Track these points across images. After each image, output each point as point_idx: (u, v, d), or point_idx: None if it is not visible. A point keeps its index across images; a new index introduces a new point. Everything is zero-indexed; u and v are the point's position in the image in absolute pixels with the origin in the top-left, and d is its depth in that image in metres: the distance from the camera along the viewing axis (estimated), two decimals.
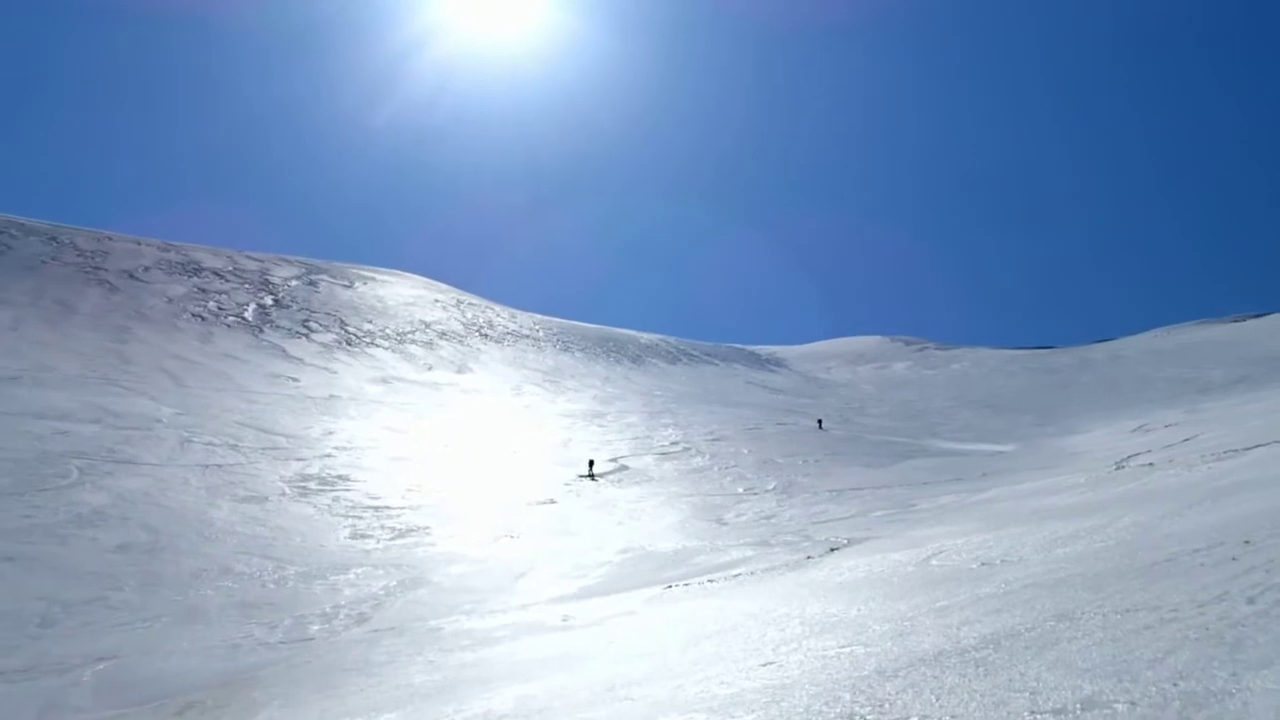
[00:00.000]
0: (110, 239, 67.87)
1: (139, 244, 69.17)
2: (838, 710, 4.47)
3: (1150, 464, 23.50)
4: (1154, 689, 3.79)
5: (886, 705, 4.44)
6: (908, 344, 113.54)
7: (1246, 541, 7.61)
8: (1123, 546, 9.57)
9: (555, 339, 77.15)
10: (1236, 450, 21.30)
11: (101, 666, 12.06)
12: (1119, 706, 3.64)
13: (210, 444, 27.98)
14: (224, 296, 61.00)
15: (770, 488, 29.64)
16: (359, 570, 18.11)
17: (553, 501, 27.04)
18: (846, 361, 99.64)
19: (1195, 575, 6.62)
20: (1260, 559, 6.66)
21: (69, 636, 13.18)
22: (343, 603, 15.79)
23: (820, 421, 48.72)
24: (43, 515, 18.75)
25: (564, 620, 13.43)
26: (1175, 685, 3.78)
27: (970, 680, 4.65)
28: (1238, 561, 6.79)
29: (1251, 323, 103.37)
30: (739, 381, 75.08)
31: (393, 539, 20.85)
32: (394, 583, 17.32)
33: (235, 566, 17.48)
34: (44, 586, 15.03)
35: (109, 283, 56.94)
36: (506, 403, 49.14)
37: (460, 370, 57.08)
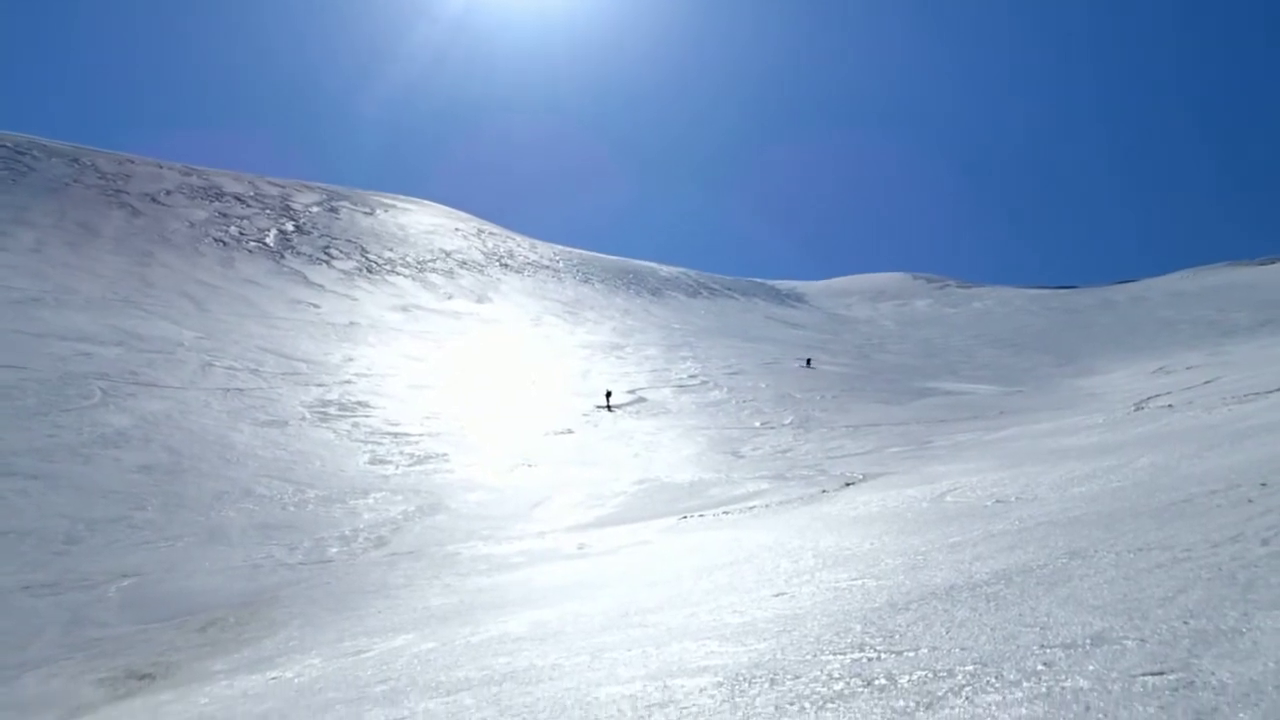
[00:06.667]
0: (132, 162, 67.85)
1: (160, 167, 69.14)
2: (848, 640, 4.51)
3: (1170, 405, 23.38)
4: (1164, 627, 3.80)
5: (897, 637, 4.47)
6: (930, 281, 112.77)
7: (1264, 484, 7.58)
8: (1139, 487, 9.56)
9: (575, 270, 77.02)
10: (1259, 393, 21.13)
11: (126, 583, 12.27)
12: (1128, 643, 3.65)
13: (231, 368, 28.20)
14: (245, 222, 61.08)
15: (787, 422, 29.69)
16: (378, 495, 18.31)
17: (570, 431, 27.18)
18: (867, 298, 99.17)
19: (1210, 516, 6.60)
20: (1277, 501, 6.63)
21: (94, 554, 13.41)
22: (361, 526, 15.99)
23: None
24: (67, 435, 18.98)
25: (579, 548, 13.57)
26: (1185, 623, 3.79)
27: (981, 614, 4.68)
28: (1254, 504, 6.76)
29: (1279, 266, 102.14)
30: (759, 316, 74.91)
31: (411, 465, 21.04)
32: (412, 508, 17.51)
33: (256, 489, 17.70)
34: (69, 505, 15.26)
35: (131, 206, 57.06)
36: (526, 333, 49.24)
37: (480, 300, 57.14)
